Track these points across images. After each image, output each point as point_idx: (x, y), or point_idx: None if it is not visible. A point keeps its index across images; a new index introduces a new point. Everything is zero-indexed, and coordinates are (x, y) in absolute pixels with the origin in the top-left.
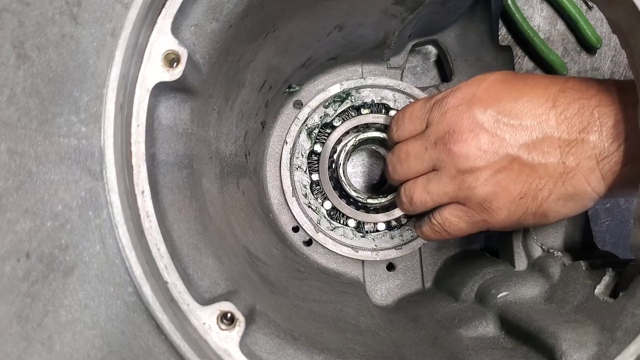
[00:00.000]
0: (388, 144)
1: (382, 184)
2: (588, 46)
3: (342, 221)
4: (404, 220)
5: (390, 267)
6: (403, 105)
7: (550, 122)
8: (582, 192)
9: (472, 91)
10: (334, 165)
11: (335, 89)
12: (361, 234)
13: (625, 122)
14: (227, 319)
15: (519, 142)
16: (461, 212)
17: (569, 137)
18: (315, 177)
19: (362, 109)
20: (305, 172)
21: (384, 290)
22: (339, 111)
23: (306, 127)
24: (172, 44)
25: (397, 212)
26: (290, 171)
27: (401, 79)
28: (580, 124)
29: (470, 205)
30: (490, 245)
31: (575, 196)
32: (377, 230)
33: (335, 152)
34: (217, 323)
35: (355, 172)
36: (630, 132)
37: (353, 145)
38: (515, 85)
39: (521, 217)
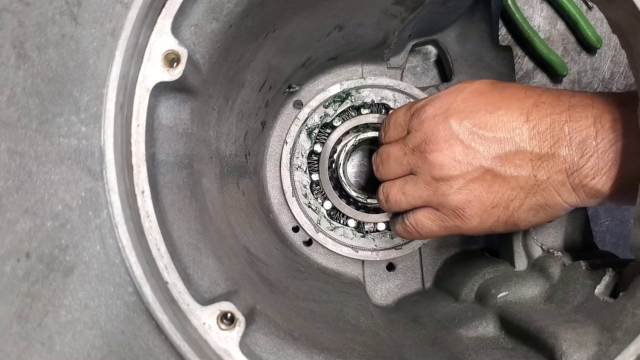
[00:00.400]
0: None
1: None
2: (588, 46)
3: (342, 221)
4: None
5: (390, 267)
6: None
7: (523, 136)
8: (553, 204)
9: (450, 101)
10: (334, 165)
11: (335, 89)
12: (361, 234)
13: (594, 137)
14: (227, 319)
15: (492, 154)
16: (434, 216)
17: (540, 152)
18: (315, 177)
19: (362, 109)
20: (305, 172)
21: (384, 290)
22: (339, 111)
23: (306, 127)
24: (172, 44)
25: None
26: (290, 171)
27: (401, 79)
28: (552, 138)
29: (444, 211)
30: (490, 245)
31: (546, 207)
32: (377, 230)
33: (335, 152)
34: (217, 323)
35: (355, 172)
36: (597, 148)
37: (353, 145)
38: (492, 97)
39: (492, 225)
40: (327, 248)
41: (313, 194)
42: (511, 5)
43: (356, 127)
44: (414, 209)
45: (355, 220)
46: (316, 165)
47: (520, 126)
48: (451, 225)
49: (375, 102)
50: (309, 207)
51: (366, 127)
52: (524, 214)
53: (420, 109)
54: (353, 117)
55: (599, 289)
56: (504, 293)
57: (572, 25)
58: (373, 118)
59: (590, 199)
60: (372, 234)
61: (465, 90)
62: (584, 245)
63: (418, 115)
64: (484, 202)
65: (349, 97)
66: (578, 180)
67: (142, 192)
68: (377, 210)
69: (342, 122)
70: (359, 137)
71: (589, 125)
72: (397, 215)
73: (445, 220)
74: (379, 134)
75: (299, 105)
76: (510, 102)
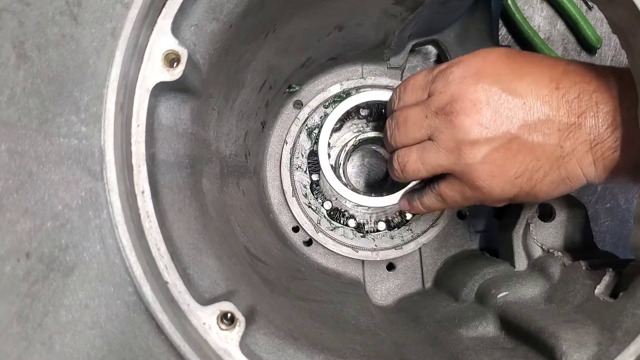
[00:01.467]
0: (386, 115)
1: (382, 184)
2: (588, 46)
3: (342, 221)
4: (404, 220)
5: (390, 267)
6: None
7: (553, 104)
8: (574, 177)
9: (478, 64)
10: (334, 164)
11: (336, 89)
12: (361, 234)
13: (620, 108)
14: (227, 319)
15: (521, 121)
16: (457, 186)
17: (568, 121)
18: (315, 177)
19: (362, 109)
20: (305, 172)
21: (384, 290)
22: None
23: (306, 127)
24: (172, 44)
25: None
26: (290, 171)
27: (401, 79)
28: (579, 108)
29: (465, 181)
30: (490, 245)
31: (567, 180)
32: (377, 230)
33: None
34: (217, 323)
35: (355, 172)
36: (623, 120)
37: (353, 145)
38: (520, 62)
39: (514, 196)
40: (327, 248)
41: (313, 194)
42: (511, 5)
43: (356, 127)
44: (435, 180)
45: (355, 220)
46: (316, 165)
47: (550, 93)
48: (471, 195)
49: None
50: (309, 207)
51: (366, 127)
52: (546, 186)
53: (446, 70)
54: (353, 116)
55: (599, 289)
56: (504, 293)
57: (572, 25)
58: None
59: (608, 173)
60: (372, 234)
61: (492, 54)
62: (584, 245)
63: (444, 76)
64: (508, 172)
65: (349, 97)
66: (600, 152)
67: (142, 192)
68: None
69: (342, 123)
70: (359, 137)
71: (614, 97)
72: (413, 192)
73: (466, 191)
74: (389, 100)
75: (299, 105)
76: (540, 68)
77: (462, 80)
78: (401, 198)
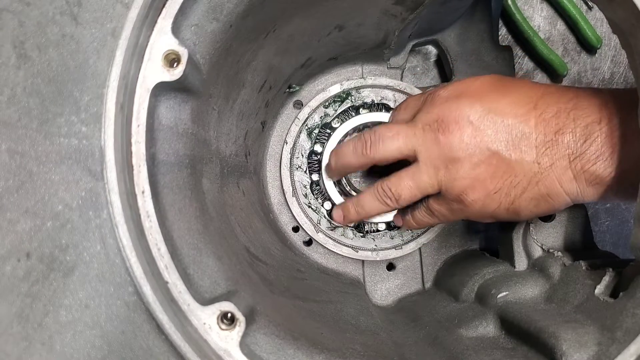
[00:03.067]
0: None
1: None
2: (588, 46)
3: None
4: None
5: (390, 267)
6: None
7: (530, 122)
8: (554, 194)
9: (463, 87)
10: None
11: (336, 89)
12: (361, 234)
13: (598, 123)
14: (228, 319)
15: (500, 138)
16: (443, 201)
17: (545, 138)
18: (315, 177)
19: (362, 109)
20: (305, 172)
21: (384, 290)
22: (339, 111)
23: (306, 127)
24: (173, 44)
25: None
26: (290, 171)
27: (401, 79)
28: (556, 125)
29: (450, 196)
30: (490, 245)
31: (548, 197)
32: (377, 230)
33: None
34: (218, 323)
35: (356, 172)
36: (601, 133)
37: None
38: (503, 86)
39: (494, 210)
40: (327, 248)
41: (313, 194)
42: (511, 5)
43: (356, 127)
44: (424, 197)
45: None
46: (316, 165)
47: (527, 113)
48: (456, 209)
49: (376, 102)
50: (309, 207)
51: (366, 127)
52: (525, 202)
53: (434, 92)
54: (353, 117)
55: (599, 289)
56: (504, 293)
57: (572, 25)
58: (373, 118)
59: (591, 188)
60: (372, 234)
61: (478, 80)
62: (584, 245)
63: (431, 98)
64: (487, 187)
65: (349, 97)
66: (580, 165)
67: (143, 192)
68: None
69: (342, 123)
70: None
71: (594, 112)
72: (406, 208)
73: (451, 204)
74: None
75: (299, 105)
76: (519, 91)
77: (447, 100)
78: (395, 216)
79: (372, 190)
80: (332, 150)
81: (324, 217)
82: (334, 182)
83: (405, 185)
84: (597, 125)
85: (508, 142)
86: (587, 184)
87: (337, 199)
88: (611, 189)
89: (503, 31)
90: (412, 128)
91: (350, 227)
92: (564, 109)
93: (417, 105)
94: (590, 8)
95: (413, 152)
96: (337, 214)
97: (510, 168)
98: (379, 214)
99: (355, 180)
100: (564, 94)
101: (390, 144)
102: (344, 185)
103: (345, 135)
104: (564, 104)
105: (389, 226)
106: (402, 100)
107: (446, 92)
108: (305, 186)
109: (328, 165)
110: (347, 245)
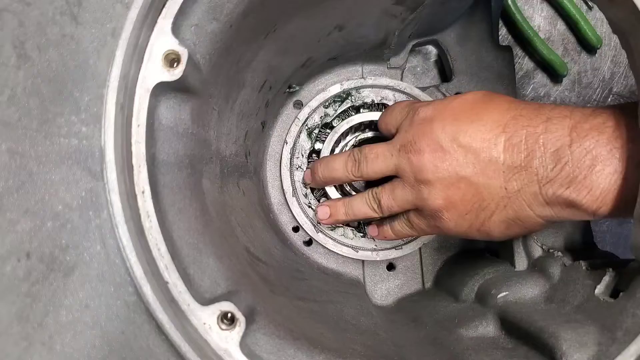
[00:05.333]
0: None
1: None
2: (588, 46)
3: None
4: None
5: (390, 267)
6: None
7: (498, 147)
8: (525, 217)
9: (440, 108)
10: None
11: (336, 89)
12: (361, 234)
13: (569, 146)
14: (228, 319)
15: (468, 163)
16: (421, 216)
17: (513, 163)
18: None
19: (362, 109)
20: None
21: (384, 290)
22: (339, 111)
23: (306, 127)
24: (173, 44)
25: None
26: (290, 171)
27: (401, 79)
28: (525, 150)
29: (425, 213)
30: (490, 245)
31: (518, 220)
32: None
33: (335, 151)
34: (218, 323)
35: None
36: (572, 156)
37: (353, 145)
38: (478, 107)
39: (466, 230)
40: (327, 248)
41: (313, 194)
42: (511, 5)
43: (356, 127)
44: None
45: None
46: None
47: (495, 138)
48: (433, 226)
49: (376, 102)
50: (309, 207)
51: (366, 127)
52: (494, 225)
53: (415, 109)
54: (353, 117)
55: (599, 289)
56: (504, 293)
57: (572, 25)
58: (373, 118)
59: (568, 210)
60: None
61: (455, 100)
62: (584, 245)
63: (411, 116)
64: (458, 209)
65: (349, 97)
66: (552, 191)
67: (143, 192)
68: None
69: (342, 122)
70: (359, 138)
71: (564, 135)
72: (383, 219)
73: (428, 221)
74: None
75: (299, 105)
76: (491, 113)
77: (422, 122)
78: (370, 225)
79: (363, 195)
80: (319, 161)
81: None
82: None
83: (387, 197)
84: (568, 148)
85: (475, 166)
86: (562, 207)
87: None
88: (591, 210)
89: (503, 31)
90: (390, 149)
91: (350, 226)
92: (533, 134)
93: (401, 116)
94: (590, 8)
95: (395, 170)
96: (322, 211)
97: (478, 192)
98: (365, 217)
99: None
100: (535, 117)
101: (375, 165)
102: (345, 185)
103: (345, 135)
104: (533, 128)
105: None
106: (390, 105)
107: (424, 113)
108: (305, 186)
109: (312, 173)
110: (347, 245)
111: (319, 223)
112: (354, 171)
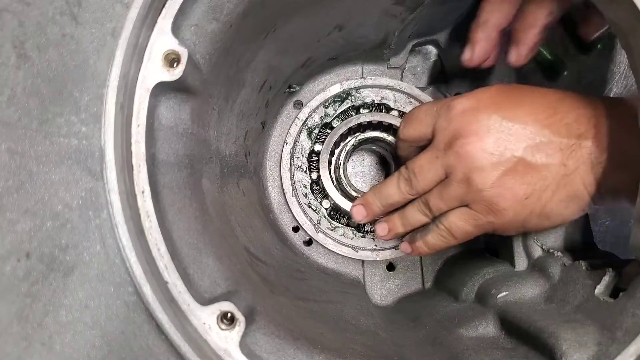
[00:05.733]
0: (397, 146)
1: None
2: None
3: (342, 221)
4: None
5: (390, 267)
6: (403, 105)
7: (552, 127)
8: (580, 196)
9: (477, 98)
10: (334, 164)
11: (336, 89)
12: (361, 234)
13: (616, 131)
14: (227, 319)
15: (523, 144)
16: (467, 215)
17: (569, 142)
18: (315, 177)
19: (362, 109)
20: (305, 172)
21: (384, 290)
22: (339, 111)
23: (306, 127)
24: (173, 44)
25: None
26: (290, 171)
27: (401, 79)
28: (578, 130)
29: (477, 208)
30: (490, 245)
31: (575, 198)
32: None
33: (335, 152)
34: (217, 323)
35: (356, 172)
36: (619, 142)
37: (353, 145)
38: (515, 93)
39: (526, 218)
40: (327, 248)
41: (313, 194)
42: None
43: (356, 127)
44: (444, 213)
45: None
46: (316, 165)
47: (548, 117)
48: (484, 222)
49: (376, 102)
50: (309, 207)
51: (366, 127)
52: (555, 205)
53: (447, 105)
54: (353, 117)
55: (599, 289)
56: (504, 293)
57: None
58: (373, 118)
59: (606, 194)
60: (372, 234)
61: (490, 90)
62: (584, 245)
63: (446, 112)
64: (517, 194)
65: (349, 97)
66: (601, 171)
67: (142, 192)
68: None
69: (342, 122)
70: (359, 137)
71: (611, 121)
72: (414, 232)
73: (478, 218)
74: (398, 132)
75: (299, 105)
76: (535, 96)
77: (463, 115)
78: (401, 241)
79: (414, 205)
80: (369, 195)
81: (324, 217)
82: (334, 182)
83: (435, 199)
84: (615, 133)
85: (532, 147)
86: (607, 189)
87: (337, 198)
88: (625, 196)
89: None
90: (434, 153)
91: (350, 227)
92: (583, 115)
93: (431, 118)
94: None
95: (444, 173)
96: (381, 227)
97: (538, 172)
98: (420, 225)
99: (355, 180)
100: (579, 100)
101: (425, 176)
102: (345, 185)
103: (345, 134)
104: (582, 109)
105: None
106: (410, 111)
107: (461, 105)
108: (305, 186)
109: (366, 208)
110: (347, 245)
111: (378, 238)
112: (409, 190)
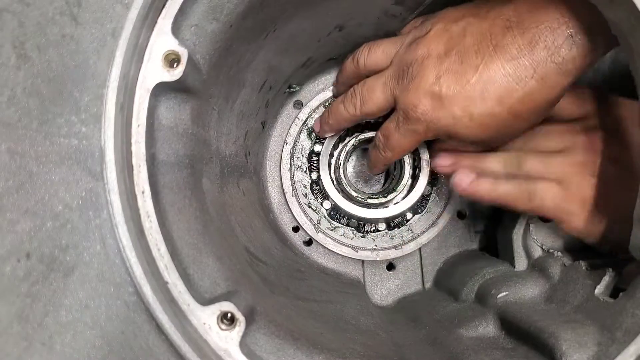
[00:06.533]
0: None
1: (382, 184)
2: None
3: (342, 221)
4: (404, 220)
5: (390, 267)
6: None
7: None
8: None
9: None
10: (334, 165)
11: None
12: (361, 234)
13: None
14: (227, 319)
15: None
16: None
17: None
18: (315, 177)
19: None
20: (305, 172)
21: (384, 290)
22: None
23: (306, 127)
24: (173, 44)
25: (397, 211)
26: (290, 171)
27: None
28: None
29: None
30: (490, 245)
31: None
32: (378, 230)
33: (335, 152)
34: (218, 323)
35: (356, 172)
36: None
37: (353, 145)
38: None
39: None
40: (327, 248)
41: (313, 194)
42: None
43: (356, 127)
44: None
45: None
46: (316, 165)
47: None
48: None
49: None
50: (309, 207)
51: (365, 127)
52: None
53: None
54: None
55: (599, 289)
56: (504, 293)
57: None
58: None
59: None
60: (372, 234)
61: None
62: (584, 245)
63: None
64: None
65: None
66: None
67: (142, 192)
68: (377, 207)
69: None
70: (359, 137)
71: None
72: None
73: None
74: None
75: (299, 105)
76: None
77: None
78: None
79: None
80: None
81: (324, 217)
82: (334, 182)
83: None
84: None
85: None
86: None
87: (337, 198)
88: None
89: None
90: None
91: (350, 227)
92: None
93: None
94: None
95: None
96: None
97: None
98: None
99: (356, 180)
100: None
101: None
102: (345, 185)
103: (345, 136)
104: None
105: (389, 226)
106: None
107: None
108: (305, 186)
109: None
110: (347, 245)
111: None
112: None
